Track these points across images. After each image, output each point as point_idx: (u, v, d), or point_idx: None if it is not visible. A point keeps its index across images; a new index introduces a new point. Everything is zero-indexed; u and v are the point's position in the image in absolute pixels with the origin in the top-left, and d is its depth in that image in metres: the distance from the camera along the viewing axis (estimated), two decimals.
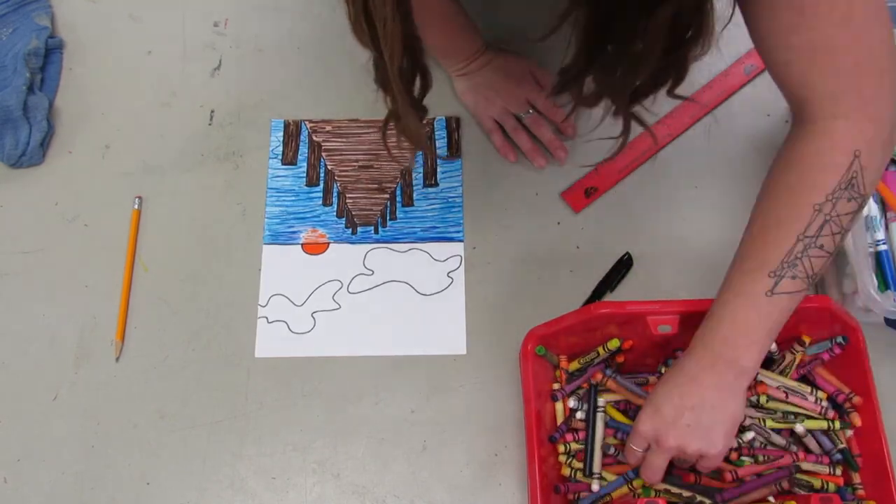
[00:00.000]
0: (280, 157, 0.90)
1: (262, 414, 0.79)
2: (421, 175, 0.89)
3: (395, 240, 0.86)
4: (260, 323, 0.83)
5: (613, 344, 0.73)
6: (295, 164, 0.90)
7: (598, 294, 0.83)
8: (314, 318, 0.83)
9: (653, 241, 0.85)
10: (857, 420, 0.71)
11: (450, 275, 0.85)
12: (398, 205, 0.88)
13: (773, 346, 0.73)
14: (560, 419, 0.75)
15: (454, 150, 0.90)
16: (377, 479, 0.76)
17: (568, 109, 0.68)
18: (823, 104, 0.60)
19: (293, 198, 0.88)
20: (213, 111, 0.93)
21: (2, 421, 0.79)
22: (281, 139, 0.91)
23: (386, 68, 0.57)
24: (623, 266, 0.83)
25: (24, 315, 0.83)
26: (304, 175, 0.89)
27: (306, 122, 0.92)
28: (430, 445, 0.78)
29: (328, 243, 0.86)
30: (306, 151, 0.90)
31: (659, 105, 0.88)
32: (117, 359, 0.81)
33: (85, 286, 0.84)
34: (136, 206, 0.87)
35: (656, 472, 0.66)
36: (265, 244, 0.86)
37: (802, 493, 0.70)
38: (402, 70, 0.57)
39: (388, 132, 0.66)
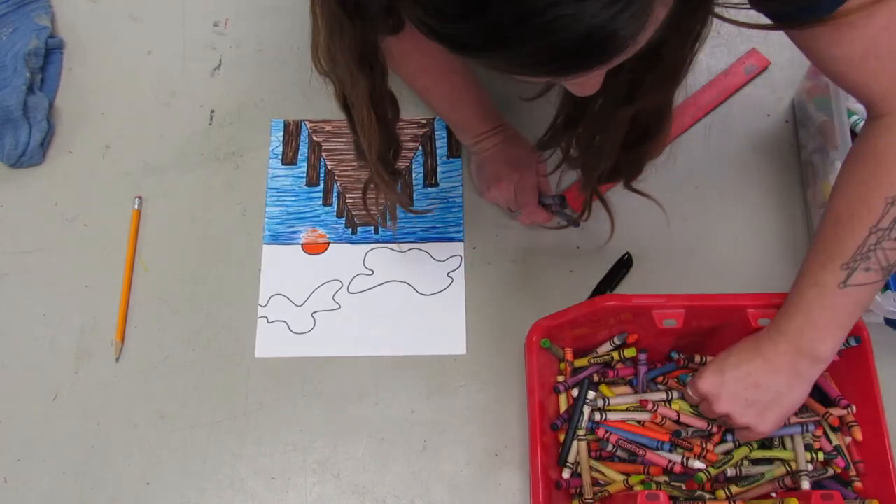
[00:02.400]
0: (280, 156, 0.90)
1: (262, 414, 0.79)
2: (421, 175, 0.89)
3: (395, 240, 0.86)
4: (260, 323, 0.83)
5: (630, 352, 0.74)
6: (295, 164, 0.90)
7: (598, 294, 0.83)
8: (314, 318, 0.83)
9: (653, 241, 0.85)
10: (858, 435, 0.71)
11: (450, 275, 0.85)
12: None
13: None
14: (563, 410, 0.75)
15: (454, 150, 0.90)
16: (377, 479, 0.76)
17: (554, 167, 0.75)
18: (886, 102, 0.61)
19: (293, 198, 0.88)
20: (213, 111, 0.93)
21: (2, 421, 0.79)
22: (281, 139, 0.91)
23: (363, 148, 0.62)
24: (623, 266, 0.83)
25: (24, 315, 0.83)
26: (305, 175, 0.89)
27: (306, 122, 0.92)
28: (430, 445, 0.78)
29: (328, 243, 0.86)
30: (306, 151, 0.90)
31: None
32: (117, 359, 0.81)
33: (85, 286, 0.84)
34: (136, 206, 0.87)
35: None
36: (265, 244, 0.86)
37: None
38: (379, 154, 0.62)
39: (369, 196, 0.73)
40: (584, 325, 0.73)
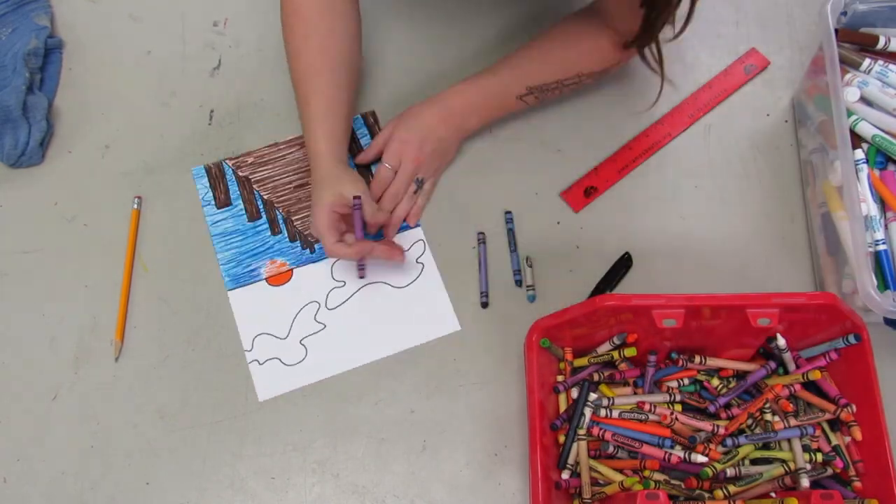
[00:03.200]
0: (213, 202, 0.88)
1: (262, 414, 0.79)
2: None
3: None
4: (252, 367, 0.81)
5: (631, 352, 0.74)
6: (230, 205, 0.87)
7: (597, 293, 0.83)
8: (304, 346, 0.82)
9: (652, 241, 0.85)
10: (857, 434, 0.72)
11: (419, 261, 0.85)
12: None
13: (781, 341, 0.73)
14: (562, 410, 0.75)
15: None
16: (377, 479, 0.76)
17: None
18: (607, 14, 0.83)
19: (240, 237, 0.86)
20: (212, 111, 0.93)
21: (2, 421, 0.79)
22: (207, 185, 0.88)
23: None
24: (623, 265, 0.83)
25: (24, 315, 0.83)
26: (244, 212, 0.87)
27: (227, 161, 0.90)
28: (430, 445, 0.78)
29: (291, 270, 0.85)
30: (237, 189, 0.88)
31: (658, 105, 0.89)
32: (117, 359, 0.81)
33: (85, 286, 0.84)
34: (135, 206, 0.87)
35: (403, 189, 0.85)
36: (228, 290, 0.84)
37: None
38: None
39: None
40: (584, 324, 0.73)
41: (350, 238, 0.80)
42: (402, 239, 0.86)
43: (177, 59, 0.96)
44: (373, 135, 0.91)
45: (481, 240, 0.85)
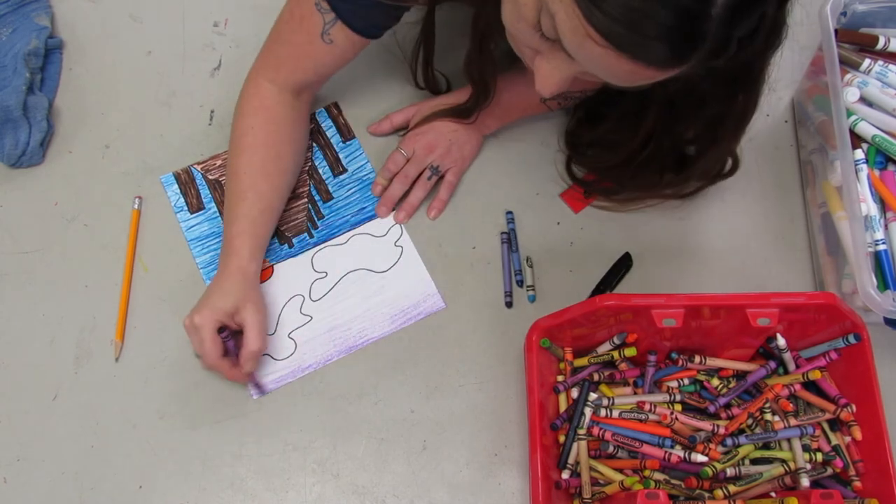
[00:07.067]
0: (186, 207, 0.87)
1: (262, 414, 0.79)
2: (327, 166, 0.89)
3: (331, 235, 0.86)
4: None
5: (631, 352, 0.74)
6: (204, 209, 0.87)
7: (597, 293, 0.83)
8: (293, 339, 0.82)
9: (651, 242, 0.85)
10: (857, 434, 0.72)
11: (397, 244, 0.85)
12: (319, 203, 0.87)
13: (781, 341, 0.73)
14: (562, 410, 0.75)
15: (345, 133, 0.90)
16: (377, 479, 0.76)
17: None
18: None
19: (217, 240, 0.86)
20: (213, 111, 0.93)
21: (2, 421, 0.79)
22: (178, 191, 0.88)
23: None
24: (623, 265, 0.83)
25: (24, 315, 0.83)
26: (218, 214, 0.87)
27: (195, 167, 0.89)
28: (430, 445, 0.78)
29: (271, 266, 0.85)
30: (209, 193, 0.88)
31: None
32: (117, 359, 0.81)
33: (85, 286, 0.84)
34: (135, 206, 0.87)
35: (414, 171, 0.86)
36: None
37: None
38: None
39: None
40: (584, 324, 0.73)
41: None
42: (379, 223, 0.86)
43: (177, 59, 0.96)
44: (338, 126, 0.91)
45: (504, 239, 0.85)
